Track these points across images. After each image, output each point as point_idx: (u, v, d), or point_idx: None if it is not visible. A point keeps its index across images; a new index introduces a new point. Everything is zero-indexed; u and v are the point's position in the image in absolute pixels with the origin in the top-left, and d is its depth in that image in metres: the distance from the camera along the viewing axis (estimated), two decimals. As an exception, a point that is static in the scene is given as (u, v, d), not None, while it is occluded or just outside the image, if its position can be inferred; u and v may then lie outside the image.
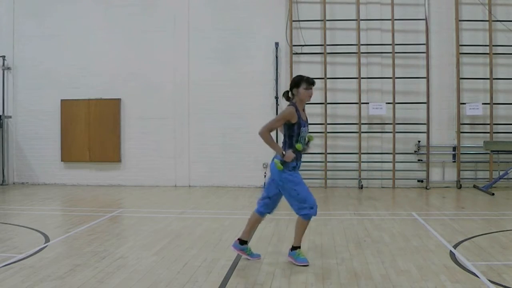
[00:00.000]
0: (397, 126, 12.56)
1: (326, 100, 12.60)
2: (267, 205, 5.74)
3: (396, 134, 12.55)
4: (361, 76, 12.61)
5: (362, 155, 12.60)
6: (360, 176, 12.59)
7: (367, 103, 12.60)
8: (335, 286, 4.85)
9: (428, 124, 12.47)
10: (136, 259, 5.86)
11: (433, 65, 12.63)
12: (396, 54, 12.49)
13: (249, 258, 5.81)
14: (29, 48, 13.53)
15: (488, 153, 12.28)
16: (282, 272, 5.32)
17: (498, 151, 12.00)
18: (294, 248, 5.64)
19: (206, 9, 13.13)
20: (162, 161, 13.18)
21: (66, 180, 13.47)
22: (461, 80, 12.48)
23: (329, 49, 12.77)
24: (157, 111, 13.16)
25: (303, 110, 5.62)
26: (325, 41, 12.71)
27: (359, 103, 12.60)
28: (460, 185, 12.48)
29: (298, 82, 5.56)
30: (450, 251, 6.12)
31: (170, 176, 13.20)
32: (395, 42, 12.49)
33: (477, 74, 12.55)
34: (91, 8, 13.38)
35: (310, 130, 5.75)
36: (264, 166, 12.77)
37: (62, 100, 13.39)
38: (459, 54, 12.46)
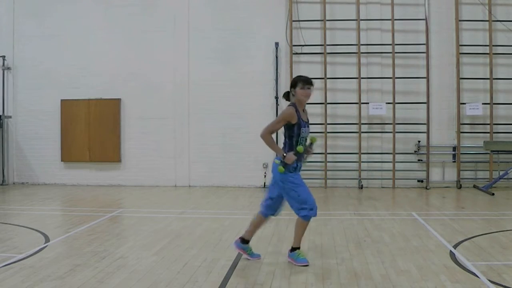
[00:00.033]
0: (397, 126, 12.56)
1: (326, 100, 12.60)
2: (270, 207, 5.72)
3: (396, 134, 12.55)
4: (361, 76, 12.61)
5: (362, 155, 12.60)
6: (360, 176, 12.59)
7: (367, 103, 12.60)
8: (335, 286, 4.85)
9: (428, 124, 12.48)
10: (136, 259, 5.86)
11: (433, 65, 12.63)
12: (396, 54, 12.49)
13: (249, 258, 5.81)
14: (29, 48, 13.53)
15: (488, 153, 12.28)
16: (282, 272, 5.32)
17: (498, 151, 12.00)
18: (293, 249, 5.64)
19: (206, 9, 13.14)
20: (162, 161, 13.19)
21: (66, 180, 13.47)
22: (461, 80, 12.48)
23: (329, 49, 12.77)
24: (157, 111, 13.16)
25: (303, 110, 5.60)
26: (325, 41, 12.71)
27: (359, 103, 12.60)
28: (460, 185, 12.48)
29: (295, 82, 5.58)
30: (450, 251, 6.12)
31: (170, 176, 13.20)
32: (395, 42, 12.49)
33: (477, 74, 12.55)
34: (91, 8, 13.38)
35: (310, 130, 5.73)
36: (264, 166, 12.77)
37: (62, 100, 13.40)
38: (459, 54, 12.46)
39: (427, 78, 12.46)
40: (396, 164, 12.54)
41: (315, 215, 5.52)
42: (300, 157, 5.50)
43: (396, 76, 12.50)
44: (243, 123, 12.86)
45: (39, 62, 13.48)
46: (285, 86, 12.70)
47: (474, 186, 12.33)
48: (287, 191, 5.48)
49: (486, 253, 5.98)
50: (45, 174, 13.57)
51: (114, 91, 13.27)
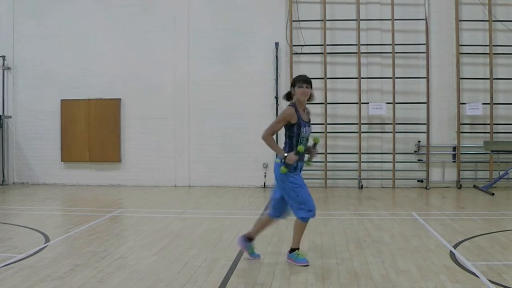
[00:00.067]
0: (397, 126, 12.56)
1: (326, 100, 12.60)
2: (275, 208, 5.71)
3: (396, 134, 12.55)
4: (361, 76, 12.62)
5: (362, 155, 12.60)
6: (360, 176, 12.59)
7: (367, 103, 12.60)
8: (335, 286, 4.85)
9: (428, 124, 12.48)
10: (136, 259, 5.86)
11: (433, 65, 12.63)
12: (396, 54, 12.49)
13: (249, 257, 5.81)
14: (29, 48, 13.53)
15: (488, 153, 12.28)
16: (282, 272, 5.32)
17: (498, 151, 12.00)
18: (292, 249, 5.64)
19: (206, 9, 13.14)
20: (162, 161, 13.19)
21: (66, 180, 13.47)
22: (461, 80, 12.48)
23: (329, 49, 12.77)
24: (157, 111, 13.17)
25: (304, 110, 5.58)
26: (325, 41, 12.71)
27: (359, 103, 12.60)
28: (460, 185, 12.48)
29: (294, 81, 5.58)
30: (450, 251, 6.12)
31: (170, 176, 13.20)
32: (395, 42, 12.49)
33: (477, 74, 12.55)
34: (91, 8, 13.39)
35: (312, 131, 5.71)
36: (264, 166, 12.77)
37: (62, 100, 13.40)
38: (459, 54, 12.46)
39: (427, 78, 12.46)
40: (396, 164, 12.54)
41: (313, 216, 5.51)
42: (301, 157, 5.50)
43: (396, 76, 12.50)
44: (243, 123, 12.86)
45: (39, 62, 13.49)
46: (285, 86, 12.70)
47: (474, 186, 12.33)
48: (287, 191, 5.48)
49: (486, 253, 5.98)
50: (45, 174, 13.57)
51: (114, 91, 13.27)
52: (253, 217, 8.55)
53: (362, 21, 12.65)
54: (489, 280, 4.87)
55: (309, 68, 12.54)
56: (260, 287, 4.85)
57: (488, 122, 12.41)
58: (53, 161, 13.50)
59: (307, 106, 5.71)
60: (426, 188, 12.36)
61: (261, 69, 12.93)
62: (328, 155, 12.64)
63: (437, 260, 5.70)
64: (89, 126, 13.32)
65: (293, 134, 5.46)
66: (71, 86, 13.34)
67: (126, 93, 13.27)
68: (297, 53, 12.79)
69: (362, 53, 12.63)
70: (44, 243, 6.62)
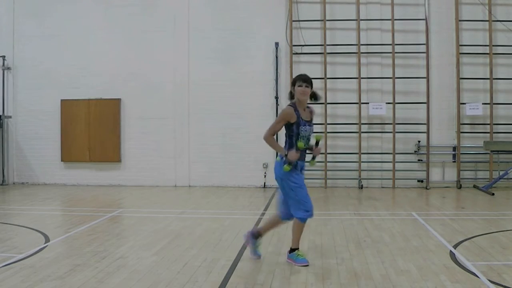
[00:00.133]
0: (397, 126, 12.56)
1: (326, 100, 12.60)
2: (284, 209, 5.67)
3: (396, 134, 12.55)
4: (361, 76, 12.62)
5: (362, 155, 12.61)
6: (360, 176, 12.59)
7: (367, 103, 12.61)
8: (335, 286, 4.85)
9: (428, 124, 12.48)
10: (136, 259, 5.86)
11: (433, 65, 12.63)
12: (396, 54, 12.49)
13: (250, 254, 5.78)
14: (29, 48, 13.53)
15: (488, 153, 12.28)
16: (282, 272, 5.32)
17: (498, 151, 12.00)
18: (292, 250, 5.64)
19: (206, 9, 13.14)
20: (162, 161, 13.19)
21: (66, 180, 13.47)
22: (461, 80, 12.48)
23: (329, 49, 12.77)
24: (157, 111, 13.17)
25: (305, 109, 5.55)
26: (325, 41, 12.71)
27: (359, 103, 12.60)
28: (460, 185, 12.48)
29: (293, 81, 5.58)
30: (450, 251, 6.12)
31: (170, 176, 13.20)
32: (395, 42, 12.49)
33: (477, 74, 12.55)
34: (91, 8, 13.39)
35: (314, 130, 5.70)
36: (264, 166, 12.78)
37: (62, 100, 13.40)
38: (459, 54, 12.46)
39: (427, 78, 12.46)
40: (396, 164, 12.54)
41: (310, 216, 5.50)
42: (302, 156, 5.48)
43: (396, 76, 12.50)
44: (243, 123, 12.87)
45: (39, 62, 13.49)
46: (285, 86, 12.72)
47: (474, 186, 12.33)
48: (286, 190, 5.48)
49: (486, 253, 5.98)
50: (45, 174, 13.57)
51: (114, 91, 13.28)
52: (253, 217, 8.56)
53: (362, 21, 12.65)
54: (489, 280, 4.87)
55: (309, 68, 12.54)
56: (260, 287, 4.85)
57: (488, 122, 12.41)
58: (53, 161, 13.50)
59: (311, 105, 5.70)
60: (426, 188, 12.36)
61: (261, 69, 12.94)
62: (328, 155, 12.64)
63: (437, 260, 5.70)
64: (89, 126, 13.32)
65: (292, 133, 5.46)
66: (71, 86, 13.34)
67: (126, 93, 13.28)
68: (297, 53, 12.80)
69: (362, 53, 12.63)
70: (44, 243, 6.62)
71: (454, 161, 12.65)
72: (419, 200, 10.84)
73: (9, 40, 13.58)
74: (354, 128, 12.68)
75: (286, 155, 5.38)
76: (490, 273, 5.12)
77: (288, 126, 5.47)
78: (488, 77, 12.35)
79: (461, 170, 12.56)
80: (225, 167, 12.99)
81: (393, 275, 5.14)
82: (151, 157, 13.21)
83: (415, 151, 12.74)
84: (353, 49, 12.68)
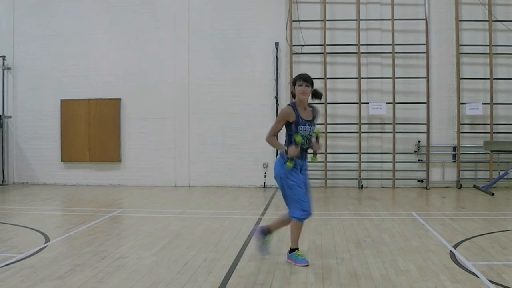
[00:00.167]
0: (397, 126, 12.56)
1: (326, 100, 12.59)
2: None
3: (396, 134, 12.55)
4: (361, 76, 12.62)
5: (362, 155, 12.61)
6: (360, 176, 12.59)
7: (367, 103, 12.61)
8: (335, 286, 4.85)
9: (428, 124, 12.48)
10: (136, 259, 5.86)
11: (433, 65, 12.63)
12: (396, 54, 12.49)
13: (259, 250, 5.75)
14: (29, 48, 13.53)
15: (488, 153, 12.28)
16: (282, 272, 5.32)
17: (498, 151, 12.00)
18: (292, 250, 5.63)
19: (206, 9, 13.14)
20: (162, 161, 13.19)
21: (66, 180, 13.47)
22: (461, 80, 12.48)
23: (329, 49, 12.77)
24: (157, 111, 13.17)
25: (305, 108, 5.52)
26: (325, 41, 12.71)
27: (359, 103, 12.60)
28: (460, 185, 12.48)
29: (293, 80, 5.57)
30: (450, 251, 6.12)
31: (170, 176, 13.20)
32: (395, 42, 12.49)
33: (477, 74, 12.55)
34: (91, 8, 13.39)
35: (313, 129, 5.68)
36: (264, 166, 12.78)
37: (62, 100, 13.40)
38: (459, 54, 12.46)
39: (427, 78, 12.46)
40: (396, 164, 12.54)
41: (307, 216, 5.47)
42: (301, 155, 5.45)
43: (396, 76, 12.50)
44: (243, 123, 12.87)
45: (39, 62, 13.49)
46: (285, 86, 12.73)
47: (474, 186, 12.33)
48: (284, 189, 5.48)
49: (486, 253, 5.98)
50: (45, 174, 13.57)
51: (114, 91, 13.28)
52: (253, 217, 8.56)
53: (362, 21, 12.65)
54: (489, 280, 4.87)
55: (309, 68, 12.52)
56: (260, 287, 4.85)
57: (488, 122, 12.41)
58: (53, 161, 13.50)
59: (316, 105, 5.69)
60: (426, 188, 12.36)
61: (261, 69, 12.94)
62: (328, 155, 12.64)
63: (437, 260, 5.70)
64: (89, 126, 13.32)
65: (291, 132, 5.46)
66: (71, 86, 13.34)
67: (126, 93, 13.28)
68: (297, 53, 12.80)
69: (362, 53, 12.63)
70: (44, 243, 6.62)
71: (454, 161, 12.65)
72: (419, 200, 10.84)
73: (9, 40, 13.58)
74: (354, 128, 12.68)
75: (286, 152, 5.37)
76: (490, 273, 5.12)
77: (287, 125, 5.47)
78: (488, 77, 12.35)
79: (461, 170, 12.56)
80: (225, 167, 12.99)
81: (393, 275, 5.14)
82: (151, 157, 13.21)
83: (415, 151, 12.74)
84: (353, 49, 12.68)
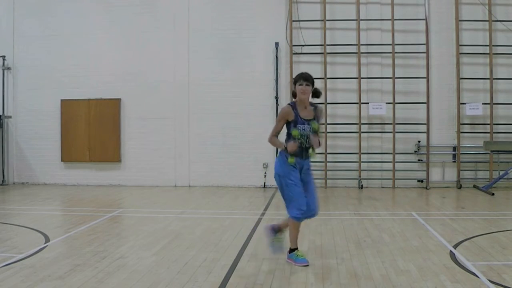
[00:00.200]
0: (397, 126, 12.56)
1: (326, 100, 12.59)
2: None
3: (396, 134, 12.55)
4: (361, 76, 12.62)
5: (362, 155, 12.61)
6: (360, 176, 12.59)
7: (367, 103, 12.61)
8: (335, 286, 4.85)
9: (428, 124, 12.48)
10: (136, 259, 5.86)
11: (433, 65, 12.64)
12: (396, 54, 12.49)
13: (271, 247, 5.72)
14: (29, 48, 13.53)
15: (488, 153, 12.28)
16: (282, 272, 5.32)
17: (498, 151, 12.00)
18: (291, 250, 5.63)
19: (206, 9, 13.14)
20: (162, 161, 13.19)
21: (66, 180, 13.47)
22: (461, 80, 12.48)
23: (329, 49, 12.77)
24: (157, 111, 13.17)
25: (306, 107, 5.51)
26: (325, 41, 12.71)
27: (359, 103, 12.60)
28: (460, 185, 12.48)
29: (294, 79, 5.56)
30: (450, 251, 6.11)
31: (170, 176, 13.20)
32: (395, 42, 12.49)
33: (477, 74, 12.55)
34: (91, 8, 13.39)
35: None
36: (264, 166, 12.78)
37: (62, 100, 13.40)
38: (459, 54, 12.46)
39: (427, 78, 12.46)
40: (396, 164, 12.54)
41: (303, 216, 5.43)
42: (302, 152, 5.43)
43: (396, 76, 12.50)
44: (243, 123, 12.87)
45: (39, 62, 13.49)
46: (285, 86, 12.73)
47: (474, 186, 12.33)
48: (282, 187, 5.48)
49: (486, 253, 5.98)
50: (45, 174, 13.57)
51: (114, 91, 13.28)
52: (253, 217, 8.56)
53: (362, 21, 12.65)
54: (489, 280, 4.87)
55: (309, 68, 12.51)
56: (260, 287, 4.85)
57: (488, 122, 12.41)
58: (53, 161, 13.50)
59: (319, 104, 5.69)
60: (426, 188, 12.37)
61: (261, 69, 12.94)
62: (328, 155, 12.64)
63: (437, 260, 5.70)
64: (89, 126, 13.32)
65: (290, 131, 5.46)
66: (71, 86, 13.35)
67: (126, 93, 13.28)
68: (297, 53, 12.80)
69: (362, 53, 12.63)
70: (44, 243, 6.62)
71: (454, 161, 12.65)
72: (419, 200, 10.84)
73: (9, 40, 13.58)
74: (354, 128, 12.68)
75: (285, 148, 5.37)
76: (490, 273, 5.12)
77: (287, 124, 5.48)
78: (488, 77, 12.35)
79: (461, 170, 12.56)
80: (225, 167, 12.99)
81: (393, 275, 5.14)
82: (151, 157, 13.21)
83: (415, 151, 12.74)
84: (353, 49, 12.68)
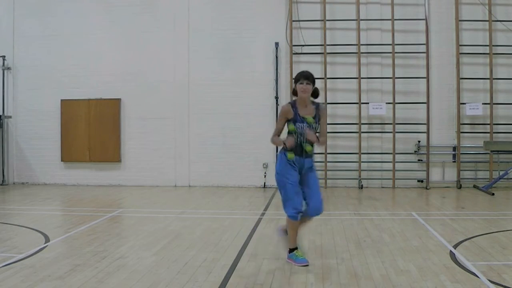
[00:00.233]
0: (397, 126, 12.56)
1: (326, 100, 12.59)
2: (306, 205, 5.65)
3: (396, 134, 12.55)
4: (361, 76, 12.62)
5: (362, 155, 12.61)
6: (360, 176, 12.59)
7: (367, 103, 12.61)
8: (335, 286, 4.85)
9: (428, 124, 12.48)
10: (136, 259, 5.86)
11: (433, 65, 12.64)
12: (396, 54, 12.49)
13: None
14: (29, 48, 13.53)
15: (488, 153, 12.28)
16: (282, 272, 5.32)
17: (498, 151, 12.00)
18: (291, 250, 5.62)
19: (206, 9, 13.14)
20: (162, 161, 13.19)
21: (66, 180, 13.47)
22: (461, 80, 12.48)
23: (329, 49, 12.77)
24: (157, 111, 13.17)
25: (306, 106, 5.49)
26: (325, 41, 12.71)
27: (359, 103, 12.60)
28: (460, 185, 12.48)
29: (295, 78, 5.57)
30: (450, 251, 6.11)
31: (170, 176, 13.20)
32: (395, 42, 12.49)
33: (477, 74, 12.55)
34: (91, 8, 13.39)
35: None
36: (264, 166, 12.78)
37: (62, 100, 13.40)
38: (459, 54, 12.46)
39: (427, 78, 12.46)
40: (396, 164, 12.54)
41: (298, 215, 5.41)
42: (301, 151, 5.42)
43: (396, 76, 12.50)
44: (243, 123, 12.87)
45: (39, 62, 13.49)
46: (285, 86, 12.73)
47: (474, 186, 12.33)
48: (280, 186, 5.49)
49: (486, 253, 5.98)
50: (45, 174, 13.57)
51: (114, 91, 13.28)
52: (253, 217, 8.56)
53: (362, 21, 12.65)
54: (489, 280, 4.87)
55: (309, 68, 12.24)
56: (260, 287, 4.85)
57: (488, 122, 12.41)
58: (53, 161, 13.50)
59: (322, 103, 5.70)
60: (426, 188, 12.37)
61: (261, 69, 12.94)
62: (328, 155, 12.64)
63: (437, 260, 5.70)
64: (89, 126, 13.32)
65: (288, 127, 5.47)
66: (71, 86, 13.35)
67: (126, 93, 13.28)
68: (297, 53, 12.80)
69: (362, 53, 12.63)
70: (44, 243, 6.62)
71: (454, 161, 12.65)
72: (419, 200, 10.84)
73: (9, 40, 13.58)
74: (354, 128, 12.68)
75: (285, 144, 5.38)
76: (490, 273, 5.12)
77: (287, 123, 5.48)
78: (488, 77, 12.35)
79: (461, 170, 12.56)
80: (225, 167, 12.99)
81: (393, 275, 5.14)
82: (151, 157, 13.21)
83: (415, 151, 12.74)
84: (353, 49, 12.68)
